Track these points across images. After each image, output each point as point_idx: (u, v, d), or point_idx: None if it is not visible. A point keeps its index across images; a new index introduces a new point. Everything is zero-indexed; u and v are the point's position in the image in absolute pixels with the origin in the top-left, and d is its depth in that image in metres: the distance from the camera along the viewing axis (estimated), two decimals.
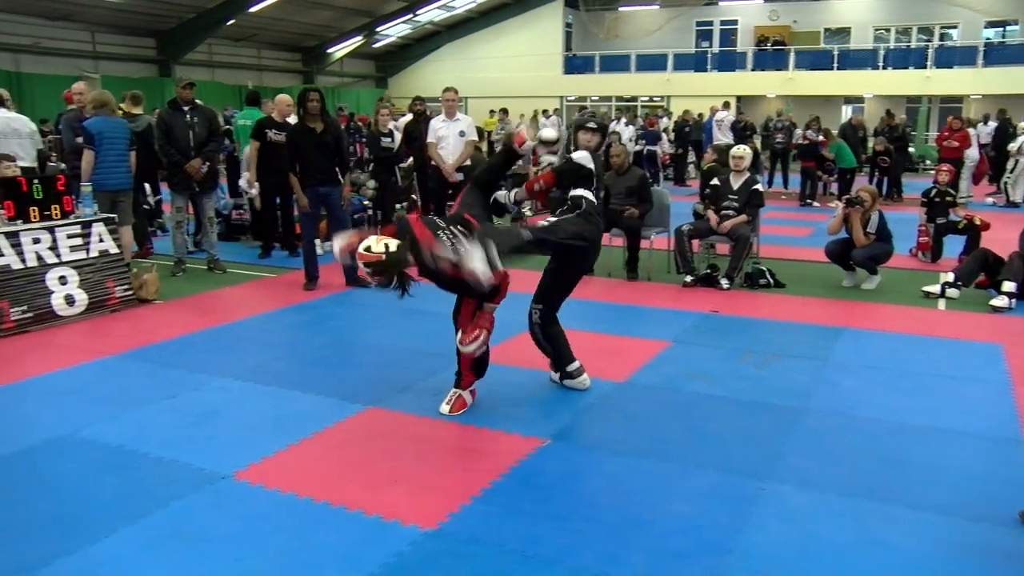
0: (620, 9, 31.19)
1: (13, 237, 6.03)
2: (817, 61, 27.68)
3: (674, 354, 5.53)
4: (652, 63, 29.80)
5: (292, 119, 8.62)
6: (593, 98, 30.60)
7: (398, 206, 10.53)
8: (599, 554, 3.02)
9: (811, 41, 28.86)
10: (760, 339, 5.89)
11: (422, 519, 3.25)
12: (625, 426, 4.26)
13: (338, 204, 7.47)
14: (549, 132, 4.97)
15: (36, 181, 6.36)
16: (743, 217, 7.57)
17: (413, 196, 10.78)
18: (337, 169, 7.43)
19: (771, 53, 28.70)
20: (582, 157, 4.64)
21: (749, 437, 4.12)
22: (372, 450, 3.96)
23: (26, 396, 4.70)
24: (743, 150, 7.90)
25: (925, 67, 25.98)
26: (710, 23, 30.56)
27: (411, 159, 10.15)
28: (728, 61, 29.25)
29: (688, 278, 7.61)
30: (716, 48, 30.04)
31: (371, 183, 9.95)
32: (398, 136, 9.77)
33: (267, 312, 6.65)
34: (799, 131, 15.48)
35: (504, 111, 20.45)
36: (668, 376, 5.04)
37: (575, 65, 31.33)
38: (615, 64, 30.55)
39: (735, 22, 30.17)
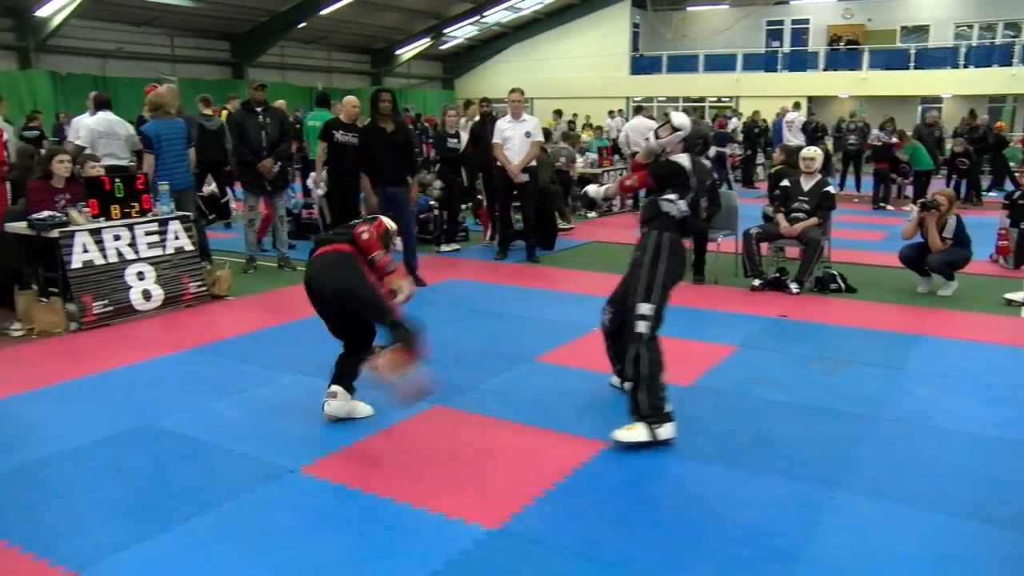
0: (688, 9, 30.85)
1: (96, 234, 6.26)
2: (893, 60, 26.93)
3: (741, 359, 5.44)
4: (720, 63, 29.40)
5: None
6: (660, 99, 30.30)
7: (464, 206, 10.61)
8: (663, 560, 2.99)
9: (887, 40, 28.09)
10: (830, 345, 5.75)
11: (485, 518, 3.27)
12: (690, 431, 4.20)
13: (405, 204, 7.55)
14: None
15: (118, 180, 6.59)
16: (813, 220, 7.40)
17: (479, 196, 10.84)
18: (406, 169, 7.51)
19: (844, 52, 28.03)
20: (681, 158, 4.35)
21: (818, 445, 4.03)
22: (436, 448, 4.00)
23: (106, 387, 4.88)
24: (814, 151, 7.73)
25: (1011, 64, 24.99)
26: (781, 22, 30.01)
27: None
28: (799, 61, 28.67)
29: (756, 282, 7.48)
30: (787, 48, 29.47)
31: (437, 183, 10.04)
32: (464, 137, 9.84)
33: None
34: (874, 132, 15.07)
35: (558, 112, 20.50)
36: (735, 381, 4.96)
37: (642, 65, 31.11)
38: (682, 64, 30.22)
39: (807, 21, 29.56)
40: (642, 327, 4.06)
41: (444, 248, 9.67)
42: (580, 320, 6.34)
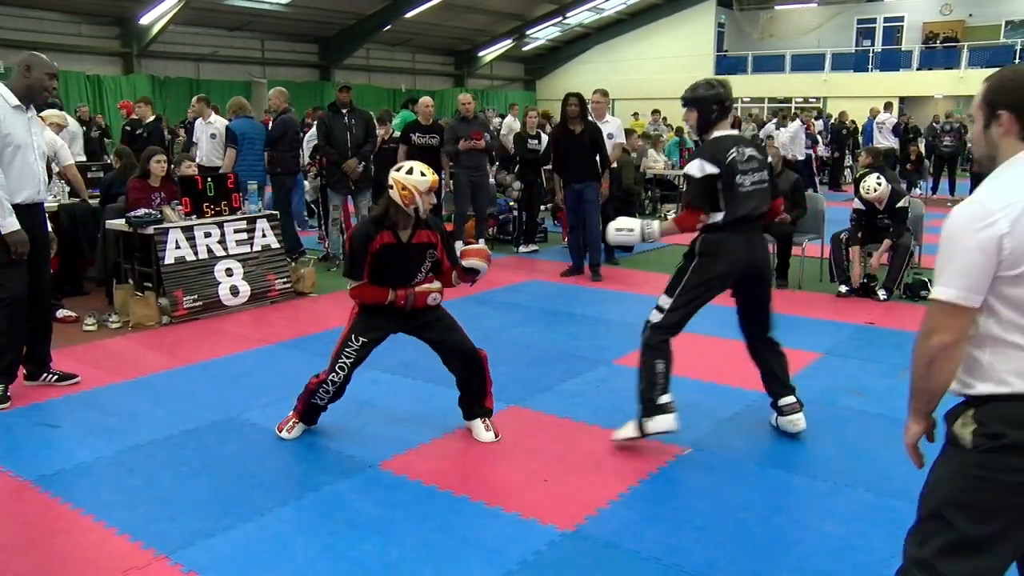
0: (776, 8, 30.20)
1: (188, 231, 6.50)
2: (995, 58, 25.72)
3: (826, 366, 5.29)
4: (808, 63, 28.69)
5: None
6: (745, 99, 29.74)
7: (543, 207, 10.62)
8: (745, 570, 2.92)
9: (989, 36, 26.90)
10: None
11: (560, 519, 3.26)
12: (772, 438, 4.12)
13: (594, 199, 7.94)
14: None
15: (209, 179, 6.83)
16: (886, 244, 7.06)
17: (558, 200, 10.82)
18: (595, 168, 7.95)
19: (940, 51, 26.98)
20: (691, 167, 3.90)
21: (907, 458, 3.87)
22: (513, 448, 4.01)
23: (195, 379, 5.06)
24: (873, 184, 7.15)
25: None
26: (873, 20, 29.09)
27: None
28: (891, 60, 27.75)
29: (843, 288, 7.26)
30: (879, 47, 28.53)
31: (516, 184, 10.07)
32: (545, 138, 9.84)
33: None
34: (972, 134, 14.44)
35: (656, 112, 20.21)
36: (818, 389, 4.83)
37: (726, 66, 30.58)
38: (769, 64, 29.62)
39: (901, 18, 28.57)
40: (655, 316, 4.02)
41: (523, 249, 9.69)
42: None
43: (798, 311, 6.76)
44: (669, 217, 12.38)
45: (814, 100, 28.35)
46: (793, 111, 19.65)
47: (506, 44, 31.12)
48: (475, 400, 4.15)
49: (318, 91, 24.50)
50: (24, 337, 4.70)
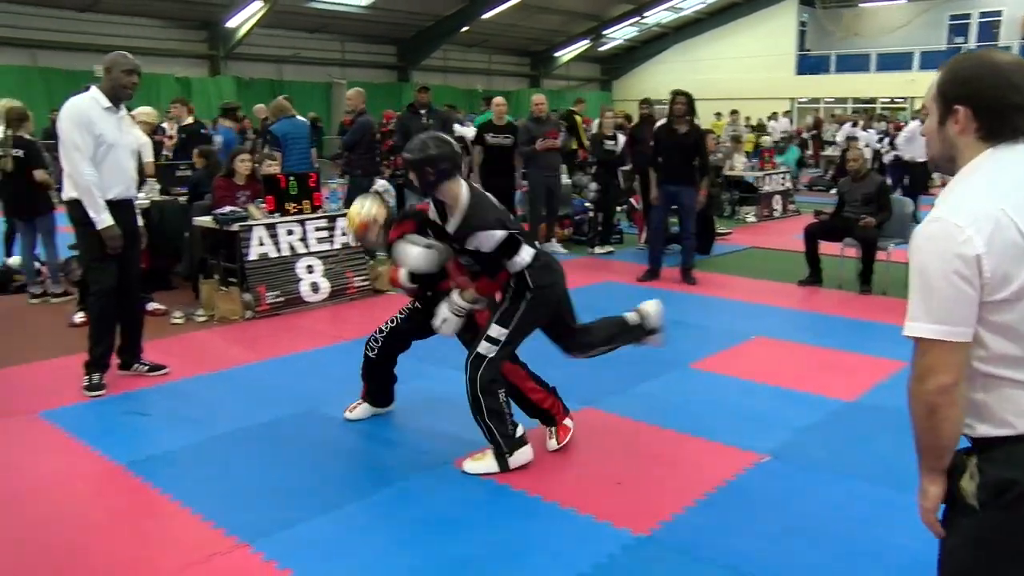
0: (860, 5, 29.34)
1: (271, 228, 6.67)
2: None
3: None
4: (895, 62, 27.76)
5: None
6: (827, 100, 29.00)
7: (618, 208, 10.55)
8: None
9: None
10: None
11: (633, 523, 3.23)
12: (853, 448, 4.00)
13: (691, 203, 7.79)
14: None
15: (292, 178, 7.00)
16: None
17: (632, 200, 10.74)
18: (695, 171, 7.77)
19: None
20: (491, 240, 3.63)
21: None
22: (586, 449, 4.00)
23: (275, 372, 5.19)
24: None
25: None
26: (967, 16, 27.96)
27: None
28: None
29: None
30: (972, 43, 27.41)
31: (593, 185, 10.03)
32: (621, 139, 9.78)
33: None
34: None
35: (734, 112, 19.85)
36: (903, 399, 4.66)
37: (808, 65, 29.86)
38: (852, 64, 28.79)
39: (998, 13, 27.33)
40: (488, 350, 3.72)
41: (598, 250, 9.65)
42: (737, 327, 6.17)
43: (882, 318, 6.55)
44: (747, 220, 12.22)
45: (900, 100, 27.45)
46: (879, 111, 19.05)
47: (582, 44, 31.02)
48: None
49: (396, 92, 24.85)
50: (114, 328, 4.90)
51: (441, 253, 3.82)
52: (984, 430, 1.65)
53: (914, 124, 14.78)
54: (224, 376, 5.11)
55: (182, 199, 7.58)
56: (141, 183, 6.17)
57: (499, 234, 3.58)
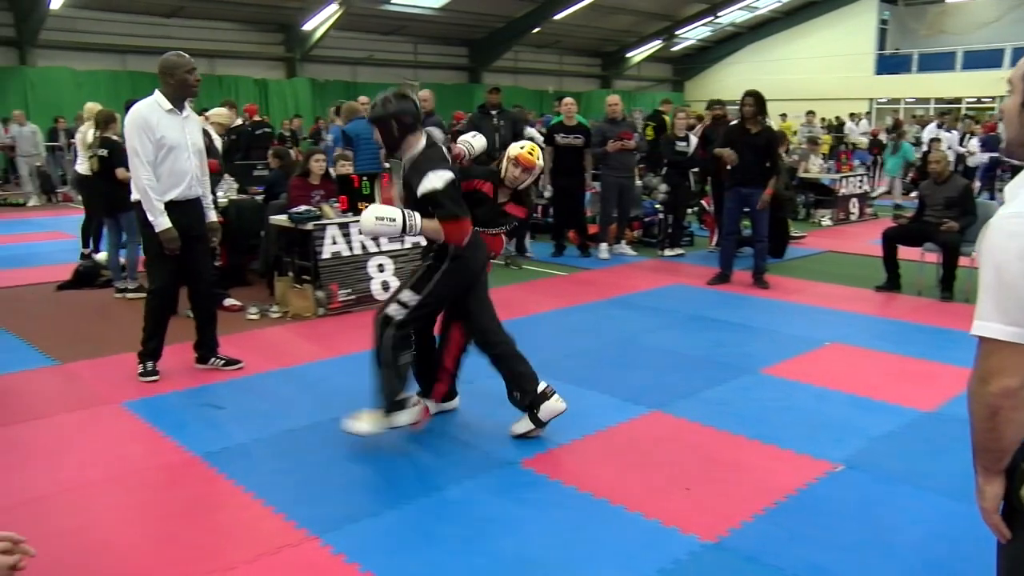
0: (947, 1, 28.33)
1: (344, 228, 6.79)
2: None
3: None
4: (983, 60, 26.67)
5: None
6: (908, 100, 28.10)
7: (689, 210, 10.42)
8: None
9: None
10: None
11: (701, 530, 3.19)
12: (932, 460, 3.86)
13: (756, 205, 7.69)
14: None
15: (365, 178, 7.11)
16: None
17: (703, 202, 10.60)
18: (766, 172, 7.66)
19: None
20: (433, 181, 3.77)
21: None
22: (654, 454, 3.96)
23: (346, 369, 5.27)
24: None
25: None
26: None
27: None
28: None
29: None
30: None
31: (663, 187, 9.93)
32: (693, 140, 9.66)
33: (558, 309, 6.88)
34: None
35: (811, 113, 19.38)
36: None
37: (887, 65, 28.97)
38: (936, 63, 27.79)
39: None
40: (397, 312, 3.93)
41: (668, 252, 9.55)
42: (811, 333, 6.03)
43: (964, 326, 6.25)
44: (823, 224, 11.93)
45: (988, 100, 26.42)
46: (964, 112, 18.37)
47: (655, 45, 30.73)
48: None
49: (467, 93, 25.04)
50: (167, 323, 5.08)
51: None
52: None
53: None
54: (297, 372, 5.23)
55: (258, 198, 7.78)
56: (216, 182, 6.36)
57: (431, 176, 3.68)
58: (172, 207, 4.78)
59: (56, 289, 7.57)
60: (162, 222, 4.71)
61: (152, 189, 4.69)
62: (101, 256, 7.98)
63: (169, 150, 4.74)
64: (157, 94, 4.79)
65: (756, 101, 7.56)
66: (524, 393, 4.08)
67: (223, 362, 5.23)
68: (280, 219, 6.91)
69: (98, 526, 3.25)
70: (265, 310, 6.60)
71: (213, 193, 5.59)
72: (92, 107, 9.14)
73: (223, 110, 8.51)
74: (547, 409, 4.04)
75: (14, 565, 1.78)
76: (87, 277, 7.67)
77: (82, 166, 8.20)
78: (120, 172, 6.95)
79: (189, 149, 4.86)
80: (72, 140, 8.88)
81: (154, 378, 4.95)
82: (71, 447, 4.01)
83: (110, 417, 4.42)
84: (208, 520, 3.30)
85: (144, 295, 5.34)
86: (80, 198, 9.40)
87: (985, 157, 14.67)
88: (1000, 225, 1.55)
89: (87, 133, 7.98)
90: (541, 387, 4.07)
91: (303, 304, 6.56)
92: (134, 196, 4.82)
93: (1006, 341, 1.53)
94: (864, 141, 17.39)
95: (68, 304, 7.11)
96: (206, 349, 5.23)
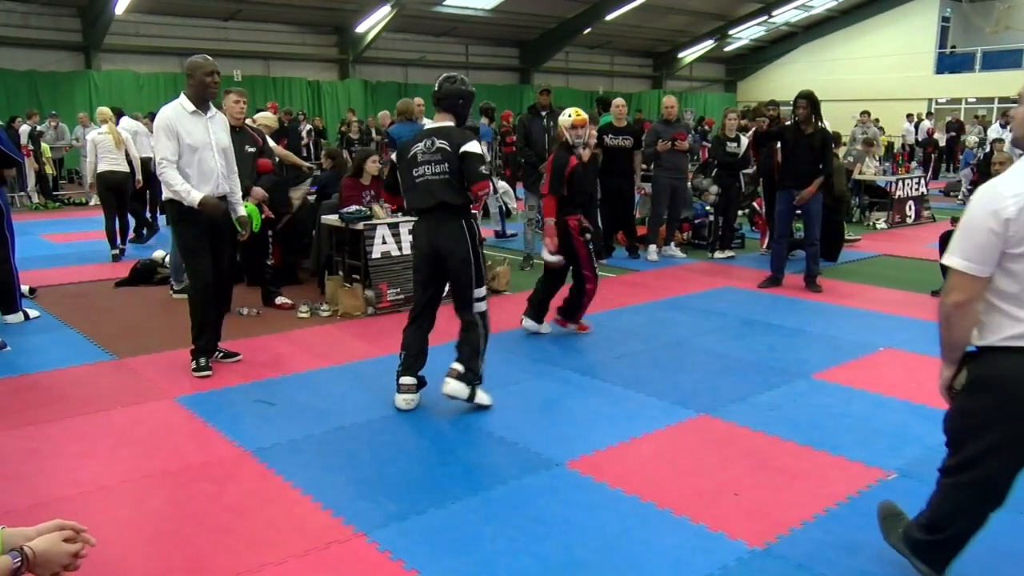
0: None
1: (394, 228, 6.85)
2: None
3: None
4: None
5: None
6: (970, 99, 27.35)
7: (740, 212, 10.29)
8: None
9: None
10: None
11: (750, 535, 3.14)
12: None
13: (816, 208, 7.59)
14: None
15: None
16: None
17: (755, 204, 10.44)
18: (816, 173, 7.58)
19: None
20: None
21: None
22: (702, 457, 3.92)
23: (395, 368, 5.31)
24: None
25: None
26: None
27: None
28: None
29: None
30: None
31: (713, 188, 9.82)
32: (744, 141, 9.53)
33: (606, 311, 6.84)
34: None
35: (865, 113, 18.92)
36: None
37: (948, 64, 28.25)
38: (1001, 60, 27.01)
39: None
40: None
41: (718, 255, 9.44)
42: (865, 338, 5.91)
43: None
44: (878, 227, 11.66)
45: None
46: None
47: (707, 45, 30.43)
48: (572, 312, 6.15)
49: (517, 94, 25.11)
50: (215, 316, 5.21)
51: None
52: (976, 340, 2.43)
53: None
54: (346, 369, 5.29)
55: (311, 198, 7.90)
56: (257, 180, 6.47)
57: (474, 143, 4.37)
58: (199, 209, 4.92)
59: (115, 286, 7.78)
60: (195, 197, 4.85)
61: (175, 179, 4.83)
62: (158, 253, 8.18)
63: (194, 150, 4.89)
64: (182, 96, 4.96)
65: (809, 103, 7.45)
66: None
67: (222, 355, 5.36)
68: (332, 219, 7.00)
69: (150, 519, 3.33)
70: (315, 308, 6.69)
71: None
72: (105, 110, 9.51)
73: (268, 113, 8.69)
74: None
75: (76, 553, 1.84)
76: (145, 274, 7.87)
77: (116, 164, 8.62)
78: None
79: (214, 148, 5.00)
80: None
81: (207, 373, 5.06)
82: (127, 440, 4.12)
83: (164, 412, 4.53)
84: (259, 514, 3.35)
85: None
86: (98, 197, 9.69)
87: None
88: (981, 190, 2.31)
89: (111, 133, 8.58)
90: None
91: (353, 303, 6.63)
92: (164, 195, 5.00)
93: (960, 270, 2.32)
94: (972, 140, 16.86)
95: (126, 300, 7.30)
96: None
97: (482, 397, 4.53)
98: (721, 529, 3.20)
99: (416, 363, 4.59)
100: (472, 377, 4.47)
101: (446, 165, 4.31)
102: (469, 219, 4.42)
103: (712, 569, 2.92)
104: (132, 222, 9.92)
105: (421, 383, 4.61)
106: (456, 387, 4.43)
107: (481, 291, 4.51)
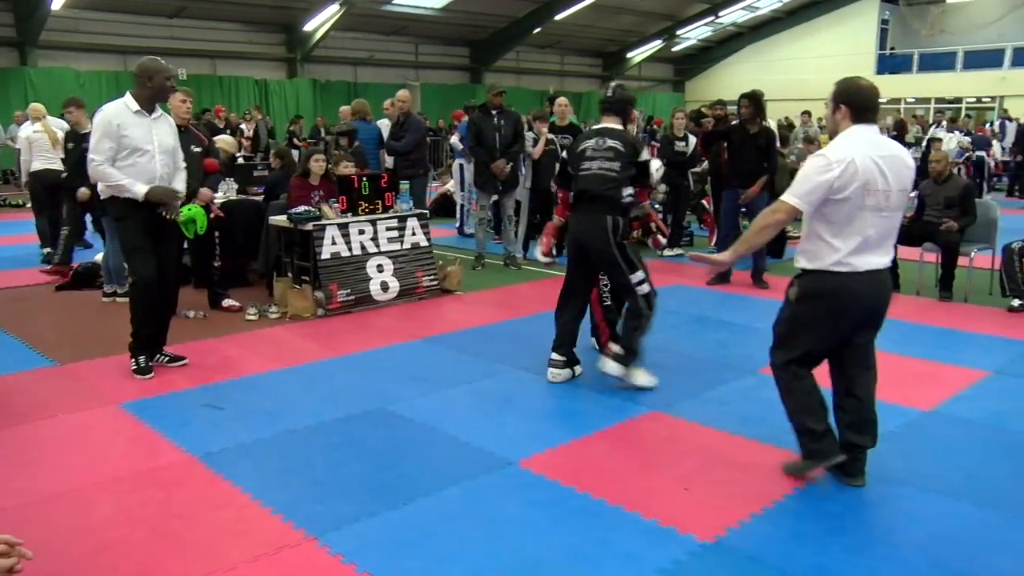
0: (948, 1, 28.30)
1: (344, 228, 6.79)
2: None
3: (996, 386, 4.91)
4: (983, 60, 26.71)
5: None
6: (909, 100, 28.08)
7: (688, 211, 10.41)
8: None
9: None
10: None
11: (700, 529, 3.18)
12: (933, 461, 3.86)
13: (762, 206, 7.51)
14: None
15: (365, 178, 7.11)
16: None
17: (704, 202, 10.58)
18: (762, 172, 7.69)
19: None
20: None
21: None
22: (653, 453, 3.96)
23: (347, 369, 5.28)
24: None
25: None
26: None
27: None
28: None
29: (1016, 302, 6.72)
30: None
31: (662, 187, 9.90)
32: (692, 140, 9.65)
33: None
34: None
35: (806, 114, 19.27)
36: (987, 410, 4.49)
37: (889, 65, 28.97)
38: (937, 62, 27.81)
39: None
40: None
41: (667, 253, 9.52)
42: None
43: (963, 325, 6.32)
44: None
45: (988, 100, 26.40)
46: (964, 111, 18.33)
47: (656, 45, 30.74)
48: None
49: (468, 93, 25.01)
50: (155, 315, 5.09)
51: None
52: (805, 265, 3.46)
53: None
54: (296, 372, 5.22)
55: (259, 198, 7.78)
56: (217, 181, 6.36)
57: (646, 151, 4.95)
58: (141, 206, 4.82)
59: (55, 290, 7.58)
60: (139, 190, 4.75)
61: (113, 175, 4.72)
62: (100, 256, 7.96)
63: (133, 151, 4.78)
64: (128, 95, 4.85)
65: (753, 102, 7.60)
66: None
67: (168, 359, 5.26)
68: (280, 220, 6.91)
69: (98, 528, 3.25)
70: (264, 310, 6.59)
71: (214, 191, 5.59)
72: (38, 107, 9.24)
73: (228, 138, 8.67)
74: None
75: (11, 568, 1.79)
76: (86, 278, 7.66)
77: (52, 162, 8.52)
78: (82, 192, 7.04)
79: (156, 150, 4.88)
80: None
81: (148, 375, 4.96)
82: (70, 449, 4.01)
83: (109, 418, 4.42)
84: (209, 520, 3.29)
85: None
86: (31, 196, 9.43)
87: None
88: (815, 157, 3.34)
89: (46, 131, 8.40)
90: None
91: (302, 304, 6.56)
92: (103, 194, 4.89)
93: (792, 204, 3.33)
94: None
95: (67, 305, 7.11)
96: (156, 344, 5.24)
97: (639, 377, 4.78)
98: (672, 524, 3.23)
99: (561, 341, 4.97)
100: (629, 358, 4.74)
101: (616, 163, 4.67)
102: (616, 215, 4.72)
103: (664, 563, 2.95)
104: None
105: (571, 360, 4.99)
106: (613, 367, 4.75)
107: (638, 275, 4.73)
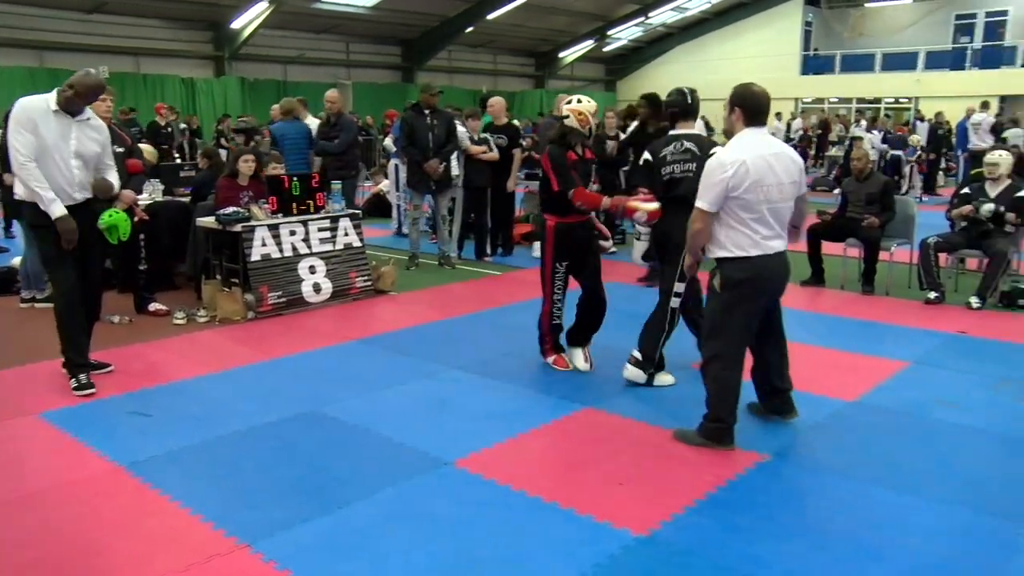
0: (867, 5, 29.27)
1: (274, 229, 6.68)
2: None
3: (914, 376, 5.10)
4: (900, 62, 27.68)
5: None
6: (832, 100, 28.93)
7: None
8: None
9: None
10: (1020, 366, 5.29)
11: (634, 524, 3.22)
12: (857, 449, 3.99)
13: None
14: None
15: (295, 179, 7.00)
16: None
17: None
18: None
19: None
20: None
21: (1010, 476, 3.71)
22: (588, 450, 3.99)
23: (278, 373, 5.19)
24: (999, 156, 7.13)
25: None
26: (973, 16, 27.79)
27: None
28: (992, 57, 26.49)
29: (932, 295, 6.98)
30: (978, 43, 27.30)
31: (594, 186, 9.99)
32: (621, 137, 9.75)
33: (494, 308, 6.88)
34: None
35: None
36: (907, 400, 4.65)
37: (813, 65, 29.80)
38: (858, 64, 28.72)
39: (1004, 13, 27.16)
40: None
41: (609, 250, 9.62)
42: None
43: (884, 318, 6.54)
44: None
45: (905, 100, 27.37)
46: (884, 111, 18.98)
47: (587, 45, 31.00)
48: (586, 334, 5.30)
49: (401, 93, 24.85)
50: (83, 326, 4.86)
51: None
52: (720, 253, 3.86)
53: (979, 116, 15.19)
54: (226, 376, 5.11)
55: (186, 199, 7.59)
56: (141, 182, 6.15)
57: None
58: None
59: None
60: (56, 210, 4.46)
61: (37, 180, 4.43)
62: (16, 260, 7.66)
63: (44, 150, 4.47)
64: (53, 93, 4.55)
65: (650, 103, 7.58)
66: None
67: (91, 366, 4.98)
68: (208, 221, 6.75)
69: (18, 546, 3.12)
70: (192, 314, 6.44)
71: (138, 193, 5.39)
72: None
73: (150, 148, 8.46)
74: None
75: None
76: (3, 283, 7.36)
77: None
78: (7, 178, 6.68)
79: (70, 153, 4.57)
80: None
81: (90, 391, 4.72)
82: None
83: (29, 429, 4.26)
84: (136, 531, 3.20)
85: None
86: None
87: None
88: (715, 157, 3.80)
89: None
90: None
91: (232, 307, 6.42)
92: (18, 194, 4.58)
93: (704, 209, 3.76)
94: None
95: None
96: None
97: (662, 379, 4.94)
98: (607, 519, 3.27)
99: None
100: (648, 364, 4.86)
101: (693, 165, 4.60)
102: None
103: (599, 559, 2.98)
104: None
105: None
106: (634, 372, 4.89)
107: (680, 287, 4.72)
